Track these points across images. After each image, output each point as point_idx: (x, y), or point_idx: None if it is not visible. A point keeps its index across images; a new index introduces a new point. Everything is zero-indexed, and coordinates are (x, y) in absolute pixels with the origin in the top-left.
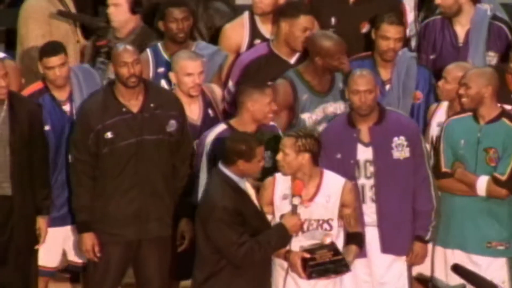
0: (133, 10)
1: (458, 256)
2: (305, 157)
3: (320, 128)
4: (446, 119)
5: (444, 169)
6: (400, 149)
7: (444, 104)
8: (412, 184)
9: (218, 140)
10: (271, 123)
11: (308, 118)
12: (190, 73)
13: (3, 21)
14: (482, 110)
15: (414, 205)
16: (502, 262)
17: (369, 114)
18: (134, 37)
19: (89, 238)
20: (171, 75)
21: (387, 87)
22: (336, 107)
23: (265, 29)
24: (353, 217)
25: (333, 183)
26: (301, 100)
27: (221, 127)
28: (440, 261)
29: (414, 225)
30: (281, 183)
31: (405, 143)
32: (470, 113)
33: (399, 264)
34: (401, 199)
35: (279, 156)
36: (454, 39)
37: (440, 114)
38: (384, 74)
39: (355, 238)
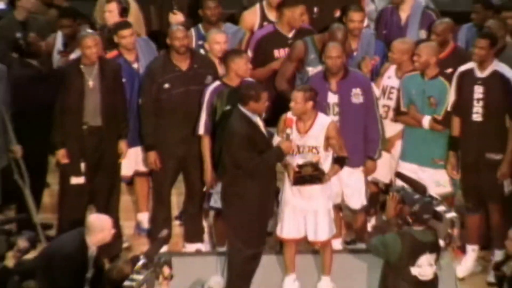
0: (121, 15)
1: (413, 167)
2: (310, 104)
3: None
4: (402, 76)
5: (402, 109)
6: (357, 97)
7: (394, 66)
8: (365, 120)
9: (215, 91)
10: (249, 79)
11: (311, 71)
12: (218, 41)
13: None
14: (427, 71)
15: (366, 135)
16: (442, 172)
17: (337, 72)
18: None
19: (152, 155)
20: (206, 46)
21: (355, 53)
22: (320, 69)
23: (271, 15)
24: (336, 145)
25: (321, 122)
26: (309, 57)
27: (217, 83)
28: (402, 168)
29: (365, 148)
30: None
31: (360, 92)
32: (418, 72)
33: (358, 172)
34: (356, 131)
35: (292, 104)
36: (399, 21)
37: (391, 70)
38: (353, 44)
39: (338, 160)
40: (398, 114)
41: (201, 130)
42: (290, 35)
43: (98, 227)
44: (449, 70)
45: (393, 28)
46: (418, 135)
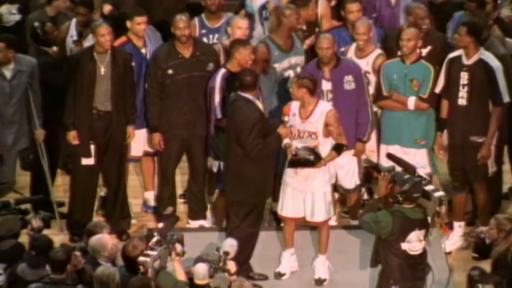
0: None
1: (395, 149)
2: (303, 90)
3: (287, 73)
4: (381, 63)
5: (384, 93)
6: (349, 84)
7: (353, 46)
8: (356, 105)
9: (223, 76)
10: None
11: (278, 66)
12: (240, 27)
13: None
14: (409, 56)
15: (357, 119)
16: (423, 152)
17: (329, 62)
18: None
19: (157, 137)
20: (228, 30)
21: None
22: (297, 59)
23: None
24: (335, 133)
25: (321, 110)
26: (273, 55)
27: (222, 69)
28: (383, 152)
29: (356, 131)
30: (293, 105)
31: (352, 79)
32: (398, 58)
33: (350, 155)
34: (348, 115)
35: (291, 89)
36: (389, 2)
37: (351, 51)
38: None
39: (336, 147)
40: (380, 99)
41: (218, 113)
42: (304, 27)
43: (101, 247)
44: (427, 50)
45: (384, 8)
46: (398, 117)
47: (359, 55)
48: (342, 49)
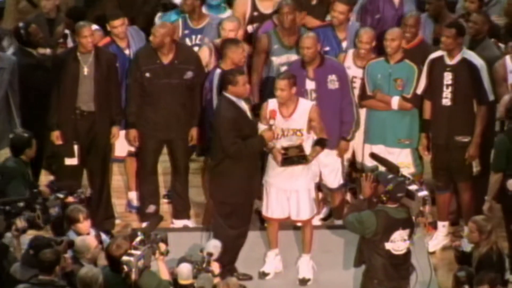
0: None
1: (379, 149)
2: (294, 89)
3: (283, 68)
4: (366, 63)
5: (368, 93)
6: (333, 83)
7: (350, 56)
8: (340, 104)
9: (219, 77)
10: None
11: (275, 60)
12: (224, 28)
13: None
14: (394, 55)
15: (341, 118)
16: (407, 151)
17: (311, 61)
18: None
19: (133, 133)
20: (221, 30)
21: (344, 43)
22: (298, 58)
23: (261, 5)
24: (317, 128)
25: (304, 106)
26: (273, 48)
27: (217, 70)
28: (367, 152)
29: (340, 129)
30: (271, 105)
31: (336, 79)
32: (382, 58)
33: (334, 153)
34: (333, 115)
35: (278, 92)
36: (392, 2)
37: (348, 61)
38: (340, 35)
39: (319, 142)
40: (364, 99)
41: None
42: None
43: (85, 248)
44: None
45: (387, 9)
46: (382, 117)
47: (360, 64)
48: (327, 48)
